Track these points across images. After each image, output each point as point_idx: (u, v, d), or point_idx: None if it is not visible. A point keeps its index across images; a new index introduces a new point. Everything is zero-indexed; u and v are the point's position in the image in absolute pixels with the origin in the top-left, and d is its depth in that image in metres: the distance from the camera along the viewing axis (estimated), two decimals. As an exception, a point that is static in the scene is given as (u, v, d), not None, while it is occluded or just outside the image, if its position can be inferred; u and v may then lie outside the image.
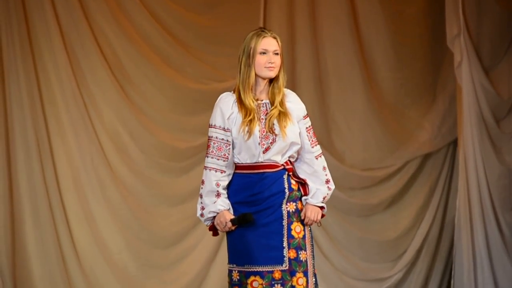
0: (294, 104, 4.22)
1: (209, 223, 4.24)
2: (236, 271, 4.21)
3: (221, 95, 4.25)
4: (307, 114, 4.23)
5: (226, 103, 4.20)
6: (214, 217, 4.22)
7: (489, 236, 6.94)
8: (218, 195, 4.20)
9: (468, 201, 6.96)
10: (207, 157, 4.19)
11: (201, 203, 4.25)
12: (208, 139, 4.21)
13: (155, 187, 6.90)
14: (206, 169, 4.22)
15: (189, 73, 6.90)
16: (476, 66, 6.98)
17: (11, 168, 6.54)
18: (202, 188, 4.23)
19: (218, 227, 4.24)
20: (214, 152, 4.19)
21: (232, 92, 4.20)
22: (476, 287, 6.88)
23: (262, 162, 4.17)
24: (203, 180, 4.23)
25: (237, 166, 4.24)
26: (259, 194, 4.18)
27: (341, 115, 7.19)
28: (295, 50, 6.97)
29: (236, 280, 4.21)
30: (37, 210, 6.56)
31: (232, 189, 4.24)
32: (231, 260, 4.26)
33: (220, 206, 4.19)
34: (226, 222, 4.18)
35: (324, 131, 7.08)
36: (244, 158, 4.22)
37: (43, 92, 6.59)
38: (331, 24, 7.11)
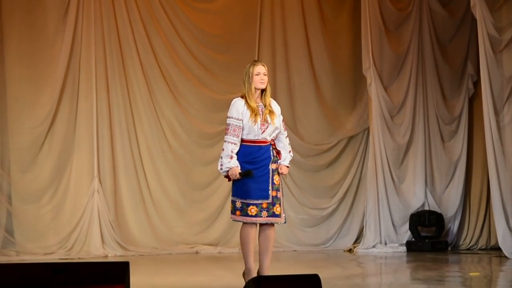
0: (275, 106, 5.09)
1: (225, 173, 4.93)
2: (239, 201, 4.91)
3: (235, 99, 5.00)
4: (281, 113, 5.14)
5: (240, 103, 4.91)
6: (228, 170, 4.90)
7: (386, 183, 8.48)
8: (232, 157, 4.88)
9: (374, 163, 8.43)
10: (227, 135, 4.89)
11: (221, 162, 4.94)
12: (227, 125, 4.90)
13: (193, 155, 8.48)
14: (226, 142, 4.91)
15: (213, 88, 8.52)
16: (379, 85, 8.42)
17: (113, 142, 8.20)
18: (222, 153, 4.93)
19: (231, 176, 4.89)
20: (231, 132, 4.93)
21: (241, 98, 4.97)
22: (378, 214, 8.35)
23: (259, 139, 4.95)
24: (223, 148, 4.94)
25: (244, 140, 4.96)
26: (257, 157, 4.93)
27: (302, 113, 8.61)
28: (275, 75, 8.40)
29: (239, 206, 4.89)
30: (127, 167, 8.28)
31: (241, 154, 4.95)
32: (235, 195, 4.97)
33: (232, 164, 4.86)
34: (236, 174, 4.85)
35: (292, 122, 8.40)
36: (249, 136, 4.95)
37: (131, 100, 8.32)
38: (297, 60, 8.65)
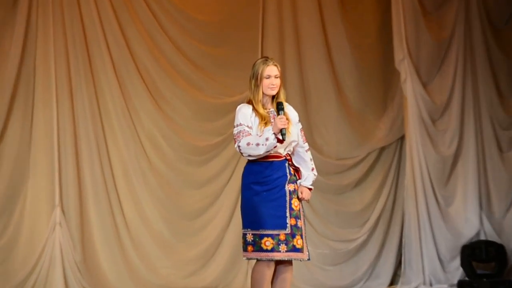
0: (292, 111, 4.52)
1: (274, 138, 4.30)
2: (251, 234, 4.40)
3: (240, 105, 4.48)
4: (299, 120, 4.55)
5: (247, 109, 4.40)
6: (273, 133, 4.32)
7: (429, 206, 7.57)
8: (261, 134, 4.32)
9: (413, 181, 7.51)
10: (239, 141, 4.35)
11: (258, 148, 4.29)
12: (238, 132, 4.39)
13: (182, 175, 7.44)
14: (241, 146, 4.35)
15: (206, 91, 7.49)
16: (416, 82, 7.56)
17: (78, 162, 7.20)
18: (248, 147, 4.30)
19: (280, 126, 4.25)
20: (244, 136, 4.39)
21: (247, 104, 4.45)
22: (420, 244, 7.47)
23: (270, 153, 4.40)
24: (248, 143, 4.31)
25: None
26: (269, 177, 4.40)
27: (320, 119, 7.69)
28: (285, 72, 7.37)
29: (251, 240, 4.39)
30: (97, 193, 7.23)
31: (247, 173, 4.45)
32: (245, 226, 4.44)
33: (268, 129, 4.28)
34: (284, 122, 4.24)
35: (308, 131, 7.29)
36: None
37: (101, 108, 7.26)
38: (311, 53, 7.67)
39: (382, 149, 7.96)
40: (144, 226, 7.36)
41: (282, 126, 4.22)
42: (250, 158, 4.33)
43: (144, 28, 7.43)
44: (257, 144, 4.25)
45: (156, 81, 7.49)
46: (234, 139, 4.36)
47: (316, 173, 4.52)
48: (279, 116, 4.25)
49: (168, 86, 7.52)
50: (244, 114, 4.37)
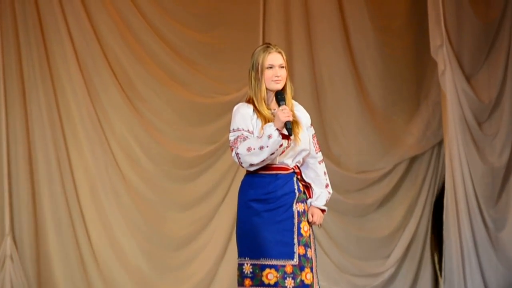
0: (302, 113, 4.34)
1: (278, 134, 4.16)
2: (249, 264, 4.29)
3: (238, 104, 4.36)
4: (311, 124, 4.38)
5: (246, 110, 4.30)
6: (277, 130, 4.16)
7: (475, 231, 7.13)
8: (261, 135, 4.17)
9: (454, 199, 7.10)
10: (239, 146, 4.21)
11: (266, 146, 4.16)
12: (235, 139, 4.26)
13: (164, 194, 7.07)
14: (239, 154, 4.20)
15: (193, 88, 7.13)
16: (458, 74, 7.16)
17: (33, 180, 6.84)
18: (249, 153, 4.17)
19: (282, 119, 4.14)
20: (241, 142, 4.24)
21: (247, 103, 4.32)
22: (464, 279, 7.03)
23: (276, 164, 4.27)
24: (247, 148, 4.19)
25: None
26: (272, 193, 4.27)
27: (336, 122, 7.34)
28: (293, 63, 7.14)
29: (249, 272, 4.29)
30: (58, 218, 6.84)
31: (246, 187, 4.32)
32: (242, 254, 4.34)
33: (269, 126, 4.15)
34: (288, 113, 4.10)
35: (321, 137, 7.10)
36: None
37: (61, 109, 6.89)
38: (325, 38, 7.29)
39: (414, 159, 7.66)
40: (117, 258, 7.05)
41: (286, 119, 4.13)
42: (251, 169, 4.21)
43: (114, 8, 7.08)
44: (261, 148, 4.16)
45: (131, 75, 7.12)
46: (231, 146, 4.25)
47: (331, 191, 4.42)
48: (280, 107, 4.17)
49: (146, 81, 7.16)
50: (243, 116, 4.27)
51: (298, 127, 4.26)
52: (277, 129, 4.11)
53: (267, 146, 4.14)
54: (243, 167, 4.22)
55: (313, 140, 4.39)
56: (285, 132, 4.13)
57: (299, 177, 4.34)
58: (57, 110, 6.90)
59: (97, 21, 6.94)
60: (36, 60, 6.86)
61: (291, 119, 4.11)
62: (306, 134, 4.32)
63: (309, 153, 4.35)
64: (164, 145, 7.12)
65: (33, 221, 6.85)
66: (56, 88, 6.90)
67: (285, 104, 4.14)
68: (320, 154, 4.43)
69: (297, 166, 4.33)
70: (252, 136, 4.20)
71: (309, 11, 7.26)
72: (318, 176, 4.41)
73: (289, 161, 4.27)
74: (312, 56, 7.34)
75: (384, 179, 7.50)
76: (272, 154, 4.14)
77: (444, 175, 7.34)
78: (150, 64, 7.08)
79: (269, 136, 4.11)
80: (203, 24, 7.20)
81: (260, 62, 4.27)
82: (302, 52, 7.29)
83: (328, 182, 4.42)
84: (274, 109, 4.28)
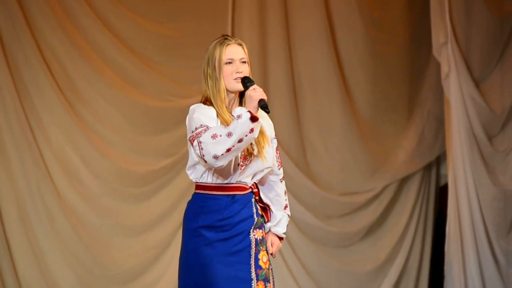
0: (265, 120, 4.05)
1: (249, 115, 3.86)
2: None
3: (196, 105, 4.01)
4: (275, 136, 4.13)
5: (208, 111, 3.98)
6: (248, 111, 3.87)
7: (483, 267, 6.68)
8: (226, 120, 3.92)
9: (458, 227, 6.68)
10: (201, 135, 3.90)
11: (234, 132, 3.85)
12: (199, 131, 3.92)
13: (110, 216, 6.50)
14: (202, 143, 3.86)
15: (148, 89, 6.59)
16: (465, 77, 6.73)
17: None
18: (214, 141, 3.86)
19: (258, 96, 3.86)
20: (204, 131, 3.91)
21: (203, 105, 4.00)
22: None
23: (231, 184, 4.00)
24: (213, 136, 3.87)
25: (203, 186, 3.99)
26: (229, 219, 3.98)
27: (317, 132, 6.91)
28: (266, 61, 6.77)
29: None
30: None
31: (196, 212, 4.00)
32: None
33: (239, 109, 3.88)
34: (258, 94, 3.84)
35: (298, 151, 6.82)
36: (214, 178, 3.99)
37: None
38: (305, 32, 6.90)
39: (405, 179, 7.28)
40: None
41: (260, 97, 3.86)
42: (216, 164, 3.85)
43: (55, -8, 6.71)
44: (229, 134, 3.84)
45: (71, 74, 6.52)
46: (190, 140, 3.93)
47: (289, 213, 4.24)
48: (252, 87, 3.93)
49: (90, 80, 6.59)
50: (206, 115, 3.98)
51: (263, 140, 4.01)
52: (248, 111, 3.84)
53: (234, 133, 3.90)
54: (205, 161, 3.87)
55: (276, 153, 4.15)
56: (259, 112, 3.92)
57: (257, 197, 4.09)
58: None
59: (30, 8, 6.36)
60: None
61: (265, 97, 3.84)
62: (271, 148, 4.08)
63: (271, 170, 4.13)
64: (110, 158, 6.54)
65: None
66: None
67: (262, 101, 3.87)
68: (282, 170, 4.20)
69: (255, 184, 4.08)
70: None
71: (288, 0, 6.86)
72: (278, 196, 4.19)
73: (248, 179, 4.04)
74: (290, 54, 6.89)
75: (372, 203, 7.11)
76: (240, 142, 3.81)
77: (440, 199, 7.09)
78: (95, 60, 6.52)
79: (238, 116, 3.84)
80: (160, 13, 6.68)
81: (217, 56, 4.00)
82: (278, 49, 6.86)
83: (288, 203, 4.20)
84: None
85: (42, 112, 6.38)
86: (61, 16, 6.48)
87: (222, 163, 3.83)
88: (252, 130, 3.81)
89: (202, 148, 3.84)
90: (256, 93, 3.82)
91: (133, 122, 6.59)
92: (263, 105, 3.82)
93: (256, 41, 6.87)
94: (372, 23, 7.05)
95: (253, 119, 3.81)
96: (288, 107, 6.82)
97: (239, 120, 3.82)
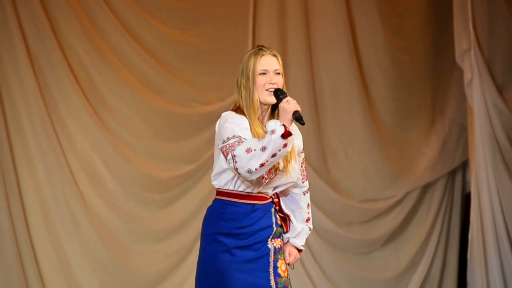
0: (295, 133, 4.02)
1: (282, 130, 3.84)
2: None
3: (229, 113, 4.03)
4: (303, 148, 4.13)
5: (241, 120, 3.99)
6: (282, 125, 3.85)
7: (506, 273, 6.61)
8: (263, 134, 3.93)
9: (482, 235, 6.61)
10: (235, 148, 3.90)
11: (267, 146, 3.83)
12: (233, 142, 3.93)
13: (133, 221, 6.55)
14: (236, 156, 3.85)
15: (170, 95, 6.66)
16: (488, 84, 6.68)
17: None
18: (249, 155, 3.85)
19: (293, 109, 3.82)
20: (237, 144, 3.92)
21: (234, 112, 4.03)
22: None
23: (253, 193, 4.02)
24: (246, 149, 3.87)
25: (225, 193, 3.99)
26: (248, 227, 3.98)
27: (338, 139, 6.93)
28: (287, 68, 6.57)
29: None
30: (2, 251, 6.23)
31: (216, 218, 4.00)
32: None
33: (273, 122, 3.85)
34: (292, 106, 3.79)
35: (319, 158, 6.83)
36: (238, 185, 3.99)
37: (8, 118, 6.31)
38: (326, 39, 6.90)
39: (428, 186, 7.25)
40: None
41: (295, 109, 3.84)
42: (250, 178, 3.87)
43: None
44: (263, 148, 3.83)
45: (95, 80, 6.58)
46: (225, 151, 3.93)
47: (311, 226, 4.24)
48: (285, 99, 3.90)
49: (113, 87, 6.65)
50: (239, 125, 3.99)
51: (290, 155, 4.00)
52: (283, 124, 3.82)
53: (268, 147, 3.88)
54: (239, 174, 3.88)
55: (301, 166, 4.14)
56: (293, 125, 3.93)
57: (277, 207, 4.08)
58: (3, 119, 6.29)
59: (55, 14, 6.36)
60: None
61: (299, 108, 3.81)
62: (297, 164, 4.08)
63: (294, 184, 4.15)
64: (134, 163, 6.59)
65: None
66: (2, 94, 6.30)
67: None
68: (307, 183, 4.20)
69: (276, 194, 4.10)
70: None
71: (309, 7, 6.85)
72: (300, 208, 4.19)
73: (269, 190, 4.05)
74: (311, 60, 6.91)
75: (393, 210, 7.08)
76: (274, 156, 3.78)
77: (464, 206, 7.04)
78: (118, 66, 6.57)
79: (272, 132, 3.81)
80: (182, 20, 6.73)
81: (251, 67, 3.97)
82: (299, 55, 6.88)
83: (310, 216, 4.20)
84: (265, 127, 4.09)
85: (66, 117, 6.45)
86: (85, 23, 6.55)
87: (256, 176, 3.84)
88: (285, 145, 3.82)
89: (236, 162, 3.85)
90: (290, 105, 3.80)
91: (155, 128, 6.66)
92: (297, 117, 3.81)
93: (276, 48, 6.48)
94: (392, 28, 7.07)
95: (287, 133, 3.83)
96: (308, 114, 6.77)
97: (273, 136, 3.82)
